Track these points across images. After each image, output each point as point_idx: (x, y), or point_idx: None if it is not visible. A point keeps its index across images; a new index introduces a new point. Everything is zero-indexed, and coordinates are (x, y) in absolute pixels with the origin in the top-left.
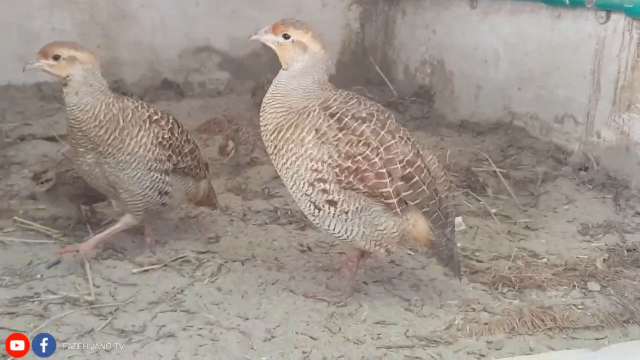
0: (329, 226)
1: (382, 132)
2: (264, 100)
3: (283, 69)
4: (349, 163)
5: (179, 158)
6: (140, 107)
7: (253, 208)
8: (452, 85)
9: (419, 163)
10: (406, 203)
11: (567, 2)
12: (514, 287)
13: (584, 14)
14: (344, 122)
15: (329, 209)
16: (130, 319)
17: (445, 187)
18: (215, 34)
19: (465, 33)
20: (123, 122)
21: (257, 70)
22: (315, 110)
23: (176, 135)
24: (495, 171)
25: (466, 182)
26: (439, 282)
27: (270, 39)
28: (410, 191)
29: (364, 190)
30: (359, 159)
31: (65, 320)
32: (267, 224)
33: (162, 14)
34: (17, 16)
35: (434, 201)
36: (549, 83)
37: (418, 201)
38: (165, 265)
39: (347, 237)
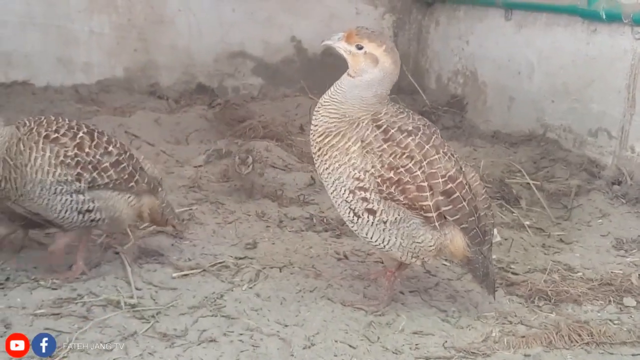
0: (366, 234)
1: (427, 146)
2: (320, 101)
3: (349, 75)
4: (391, 174)
5: (95, 175)
6: (36, 128)
7: (289, 215)
8: (484, 96)
9: (460, 179)
10: (445, 218)
11: (604, 16)
12: (550, 301)
13: (620, 28)
14: (389, 133)
15: (367, 217)
16: (172, 322)
17: (485, 205)
18: (250, 39)
19: (499, 44)
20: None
21: (290, 76)
22: (364, 121)
23: (87, 150)
24: (528, 183)
25: (500, 194)
26: (475, 293)
27: (343, 47)
28: (450, 206)
29: (404, 202)
30: (401, 171)
31: (109, 323)
32: (303, 230)
33: (199, 19)
34: (56, 18)
35: (473, 218)
36: (583, 96)
37: (457, 217)
38: (204, 270)
39: (384, 246)
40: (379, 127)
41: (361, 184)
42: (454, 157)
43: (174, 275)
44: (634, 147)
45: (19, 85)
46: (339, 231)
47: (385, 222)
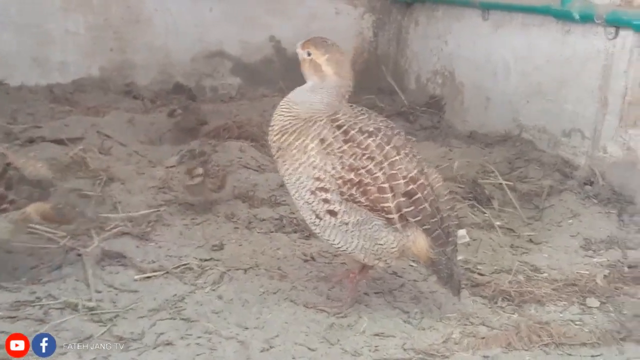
0: (329, 236)
1: (387, 147)
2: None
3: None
4: (351, 175)
5: None
6: None
7: (259, 216)
8: (462, 96)
9: (422, 180)
10: (407, 219)
11: (577, 17)
12: (514, 302)
13: (593, 29)
14: (350, 134)
15: (329, 219)
16: (129, 326)
17: (448, 207)
18: (229, 39)
19: (476, 45)
20: None
21: (269, 76)
22: (322, 120)
23: None
24: (501, 183)
25: (472, 194)
26: (440, 294)
27: (299, 53)
28: (412, 207)
29: (365, 204)
30: (362, 172)
31: (65, 326)
32: (272, 232)
33: (176, 19)
34: (31, 18)
35: (435, 219)
36: (557, 97)
37: (419, 218)
38: (167, 272)
39: (347, 248)
40: (339, 127)
41: (322, 185)
42: (415, 158)
43: (136, 277)
44: (606, 147)
45: None
46: (308, 232)
47: (347, 224)
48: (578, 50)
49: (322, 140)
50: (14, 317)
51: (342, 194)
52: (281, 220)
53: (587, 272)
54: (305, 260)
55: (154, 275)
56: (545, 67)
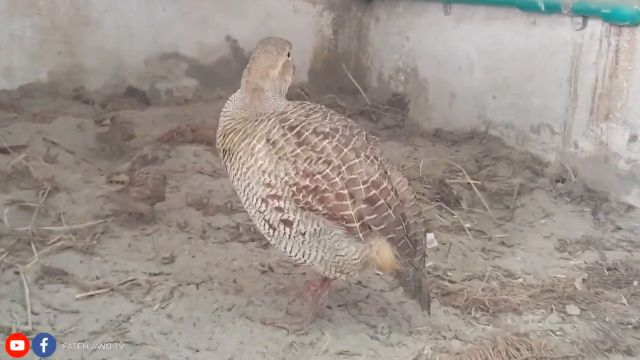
0: (285, 248)
1: (345, 150)
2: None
3: None
4: (307, 182)
5: None
6: None
7: (214, 224)
8: (426, 93)
9: (385, 185)
10: (370, 228)
11: (543, 7)
12: (488, 311)
13: (560, 19)
14: (303, 136)
15: (284, 229)
16: (67, 352)
17: (415, 212)
18: (183, 40)
19: (439, 40)
20: None
21: (226, 77)
22: (271, 119)
23: None
24: (469, 183)
25: (439, 195)
26: (409, 305)
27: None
28: (374, 215)
29: (323, 212)
30: (318, 178)
31: None
32: (227, 241)
33: (128, 20)
34: None
35: (400, 227)
36: (524, 91)
37: (383, 226)
38: (112, 289)
39: (305, 261)
40: (291, 128)
41: (273, 191)
42: (377, 160)
43: (77, 296)
44: (577, 142)
45: None
46: (266, 241)
47: (303, 234)
48: (545, 43)
49: (273, 143)
50: None
51: (297, 201)
52: (237, 228)
53: (564, 276)
54: (263, 272)
55: (98, 294)
56: (511, 60)
